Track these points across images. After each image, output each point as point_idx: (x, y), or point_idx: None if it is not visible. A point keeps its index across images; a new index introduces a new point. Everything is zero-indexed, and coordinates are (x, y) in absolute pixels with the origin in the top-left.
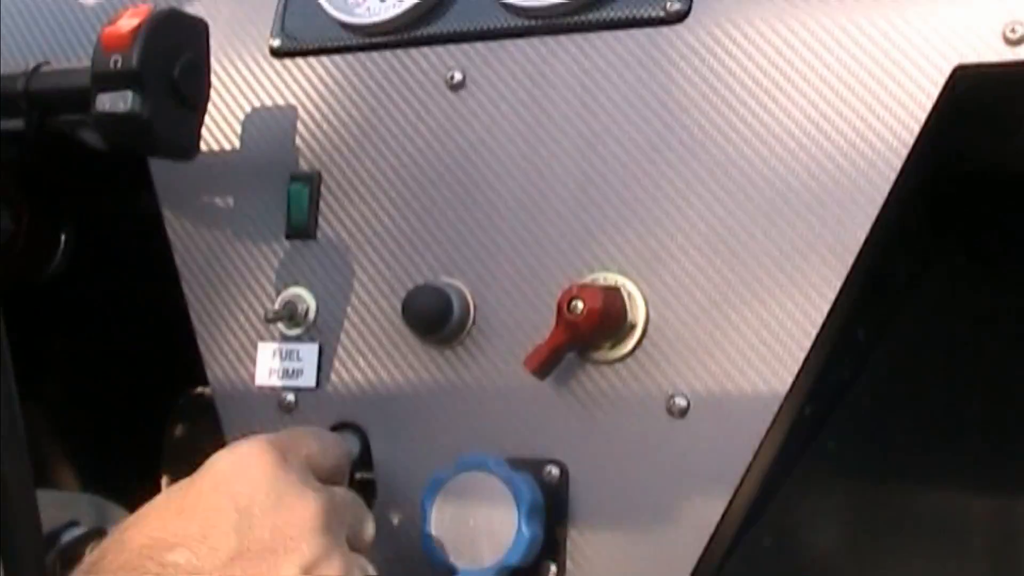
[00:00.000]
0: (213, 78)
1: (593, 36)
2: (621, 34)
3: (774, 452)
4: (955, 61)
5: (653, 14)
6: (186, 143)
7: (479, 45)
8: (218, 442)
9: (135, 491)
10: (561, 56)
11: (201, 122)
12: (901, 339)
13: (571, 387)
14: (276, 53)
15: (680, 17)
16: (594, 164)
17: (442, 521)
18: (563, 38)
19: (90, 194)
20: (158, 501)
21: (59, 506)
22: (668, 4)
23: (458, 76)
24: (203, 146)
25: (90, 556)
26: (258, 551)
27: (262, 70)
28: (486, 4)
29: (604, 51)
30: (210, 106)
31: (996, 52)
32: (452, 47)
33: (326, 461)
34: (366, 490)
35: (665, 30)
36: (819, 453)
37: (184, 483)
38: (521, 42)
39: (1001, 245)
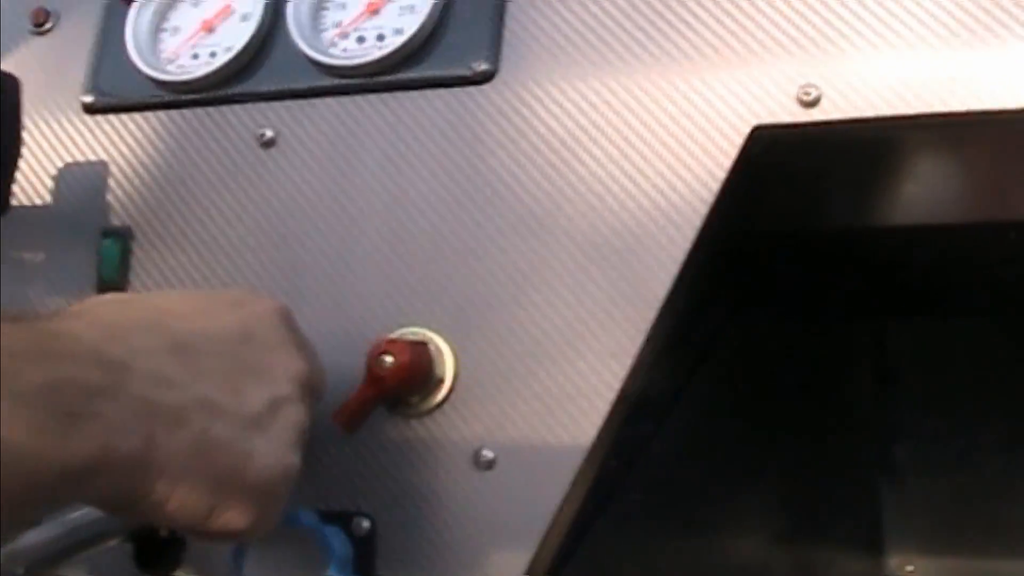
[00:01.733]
0: (25, 134)
1: (402, 95)
2: (430, 94)
3: (578, 504)
4: (752, 122)
5: (461, 74)
6: None
7: (290, 103)
8: None
9: None
10: (371, 115)
11: (12, 178)
12: (702, 392)
13: (380, 440)
14: (88, 109)
15: (487, 78)
16: (402, 221)
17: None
18: (373, 97)
19: None
20: (175, 292)
21: None
22: (475, 65)
23: (269, 134)
24: (14, 202)
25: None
26: (241, 366)
27: (74, 126)
28: (298, 63)
29: (413, 110)
30: (22, 162)
31: (791, 113)
32: (263, 105)
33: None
34: (176, 549)
35: (472, 90)
36: (625, 504)
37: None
38: (332, 101)
39: (803, 300)
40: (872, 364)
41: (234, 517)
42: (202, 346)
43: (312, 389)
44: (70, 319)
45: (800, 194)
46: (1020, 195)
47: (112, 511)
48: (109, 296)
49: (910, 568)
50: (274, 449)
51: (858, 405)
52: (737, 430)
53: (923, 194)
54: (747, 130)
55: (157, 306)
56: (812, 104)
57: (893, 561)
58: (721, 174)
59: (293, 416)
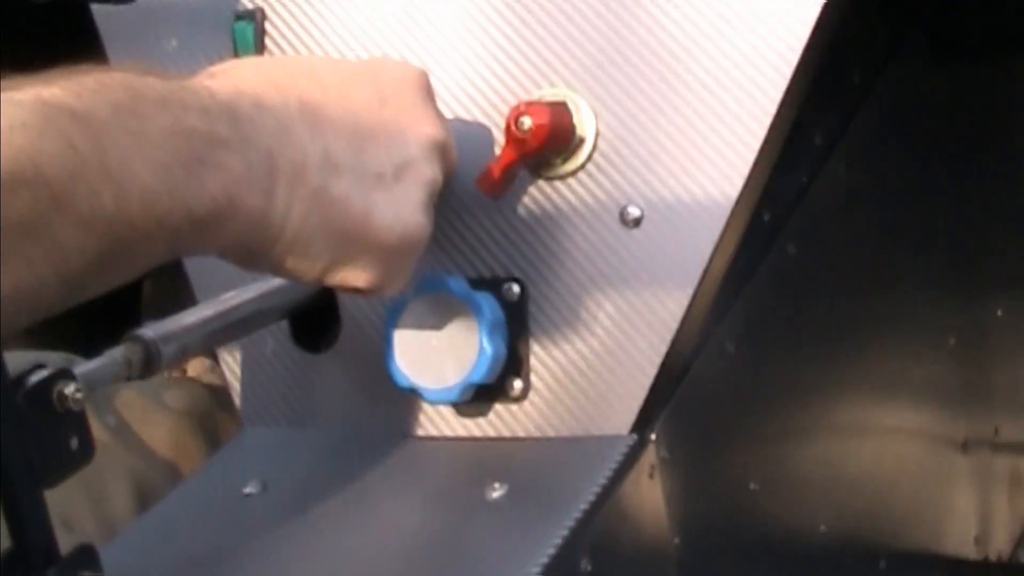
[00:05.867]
0: None
1: None
2: None
3: (730, 256)
4: None
5: None
6: None
7: None
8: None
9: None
10: None
11: None
12: (860, 140)
13: (526, 204)
14: None
15: None
16: None
17: (405, 345)
18: None
19: (33, 49)
20: (315, 57)
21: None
22: None
23: None
24: None
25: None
26: (369, 128)
27: None
28: None
29: None
30: None
31: None
32: None
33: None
34: (332, 324)
35: None
36: (780, 257)
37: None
38: None
39: (961, 40)
40: None
41: (352, 273)
42: (331, 107)
43: (444, 155)
44: (206, 77)
45: None
46: None
47: (236, 263)
48: (248, 59)
49: None
50: (397, 208)
51: None
52: (901, 179)
53: None
54: None
55: (292, 68)
56: None
57: None
58: None
59: (421, 177)
